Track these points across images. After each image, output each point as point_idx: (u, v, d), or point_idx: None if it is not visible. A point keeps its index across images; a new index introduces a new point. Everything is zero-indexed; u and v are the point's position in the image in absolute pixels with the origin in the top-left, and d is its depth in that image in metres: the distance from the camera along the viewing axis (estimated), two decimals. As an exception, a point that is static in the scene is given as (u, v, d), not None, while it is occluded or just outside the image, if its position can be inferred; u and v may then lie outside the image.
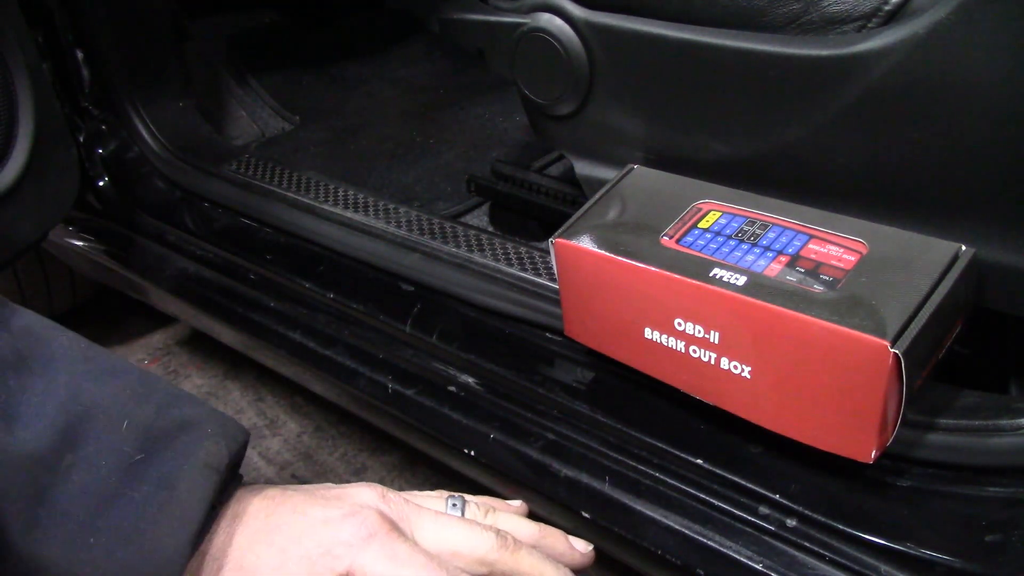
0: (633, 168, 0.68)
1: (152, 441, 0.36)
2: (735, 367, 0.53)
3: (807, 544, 0.55)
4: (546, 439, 0.68)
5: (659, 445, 0.63)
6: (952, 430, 0.55)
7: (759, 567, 0.55)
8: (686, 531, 0.59)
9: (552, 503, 0.67)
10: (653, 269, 0.56)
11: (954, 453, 0.55)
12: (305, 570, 0.40)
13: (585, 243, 0.60)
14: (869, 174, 0.58)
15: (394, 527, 0.43)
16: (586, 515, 0.63)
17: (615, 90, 0.69)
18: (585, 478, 0.64)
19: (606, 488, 0.63)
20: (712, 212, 0.60)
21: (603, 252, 0.59)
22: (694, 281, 0.53)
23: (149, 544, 0.34)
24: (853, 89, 0.55)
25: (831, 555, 0.54)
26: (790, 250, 0.54)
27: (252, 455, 1.15)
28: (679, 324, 0.56)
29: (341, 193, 0.96)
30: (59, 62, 1.12)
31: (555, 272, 0.64)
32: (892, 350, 0.45)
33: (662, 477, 0.62)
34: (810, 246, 0.54)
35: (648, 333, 0.58)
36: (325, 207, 0.94)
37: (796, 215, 0.58)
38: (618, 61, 0.67)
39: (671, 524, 0.59)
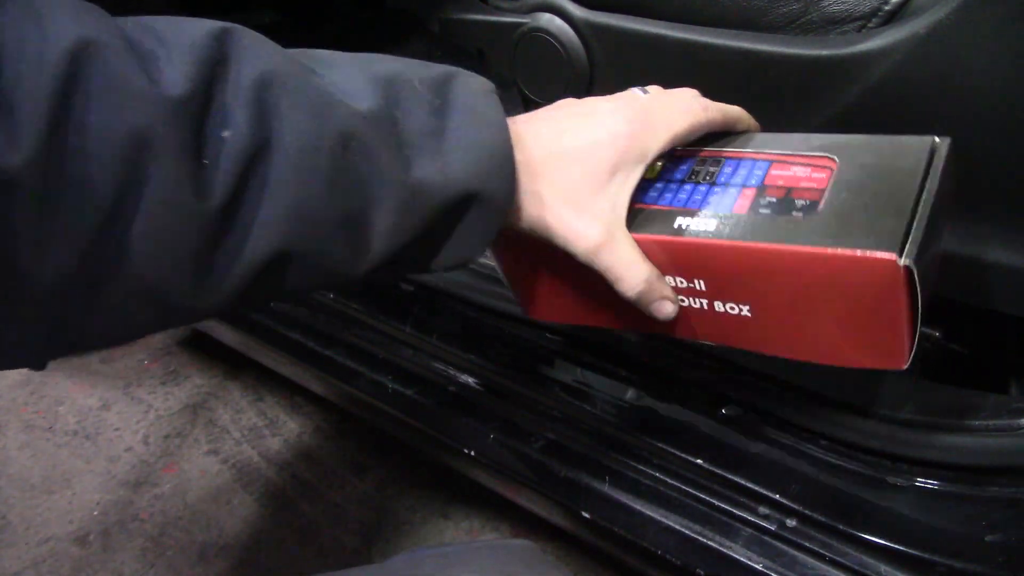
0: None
1: (438, 89, 0.42)
2: (731, 308, 0.49)
3: (807, 544, 0.55)
4: (546, 439, 0.68)
5: (659, 445, 0.63)
6: (952, 430, 0.55)
7: (759, 567, 0.55)
8: (686, 531, 0.59)
9: (552, 503, 0.67)
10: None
11: (954, 453, 0.55)
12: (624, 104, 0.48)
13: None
14: (869, 174, 0.58)
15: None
16: (586, 515, 0.63)
17: (615, 90, 0.69)
18: (585, 478, 0.64)
19: (606, 488, 0.63)
20: (656, 162, 0.54)
21: None
22: (659, 237, 0.48)
23: (484, 149, 0.41)
24: (853, 89, 0.55)
25: (831, 555, 0.54)
26: (753, 181, 0.49)
27: (252, 455, 1.15)
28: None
29: (341, 193, 0.96)
30: (59, 62, 1.12)
31: (496, 262, 0.57)
32: (902, 263, 0.41)
33: (662, 477, 0.62)
34: (773, 172, 0.49)
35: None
36: (325, 207, 0.94)
37: (746, 143, 0.52)
38: (618, 61, 0.68)
39: (671, 524, 0.59)
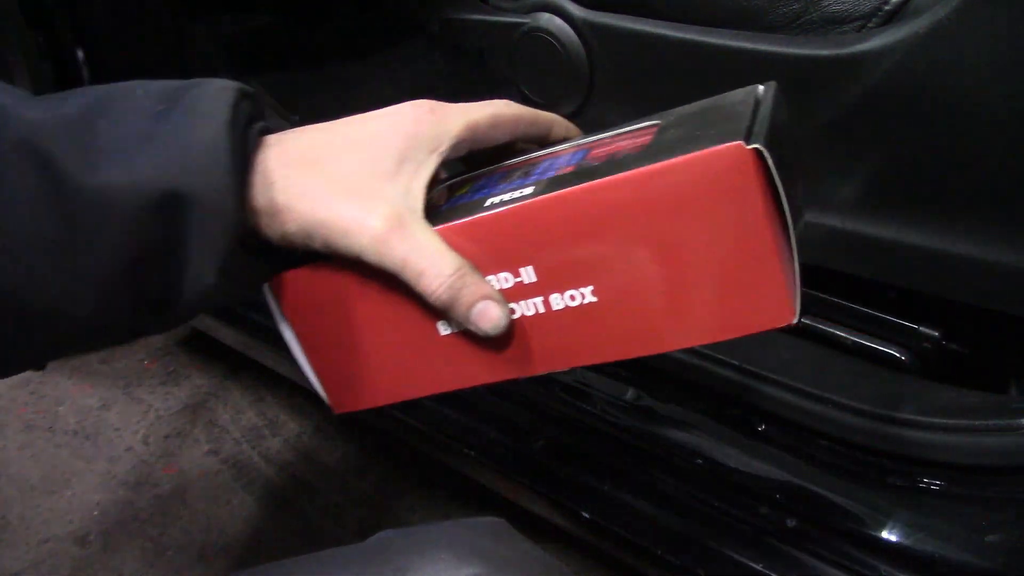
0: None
1: (168, 97, 0.38)
2: (572, 297, 0.40)
3: (807, 544, 0.55)
4: (546, 439, 0.68)
5: (659, 445, 0.63)
6: (952, 430, 0.55)
7: (759, 567, 0.55)
8: (686, 531, 0.59)
9: (552, 503, 0.67)
10: None
11: (954, 453, 0.55)
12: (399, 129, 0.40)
13: (318, 265, 0.43)
14: (868, 174, 0.58)
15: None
16: (586, 515, 0.63)
17: (615, 90, 0.69)
18: (585, 478, 0.64)
19: (606, 488, 0.63)
20: (468, 182, 0.46)
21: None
22: (468, 219, 0.40)
23: (189, 145, 0.36)
24: (853, 89, 0.55)
25: (831, 555, 0.54)
26: (574, 161, 0.42)
27: (252, 455, 1.15)
28: None
29: (341, 193, 0.96)
30: (59, 62, 1.12)
31: (287, 336, 0.47)
32: (750, 146, 0.34)
33: (662, 477, 0.62)
34: (595, 151, 0.42)
35: (443, 328, 0.42)
36: (325, 207, 0.94)
37: (565, 143, 0.46)
38: (618, 61, 0.68)
39: (671, 524, 0.59)
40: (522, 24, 0.72)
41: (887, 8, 0.54)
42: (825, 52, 0.55)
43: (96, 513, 1.09)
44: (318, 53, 1.50)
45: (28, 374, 1.34)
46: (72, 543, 1.05)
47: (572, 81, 0.70)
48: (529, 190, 0.39)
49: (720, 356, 0.63)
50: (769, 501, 0.57)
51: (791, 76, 0.57)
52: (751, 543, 0.56)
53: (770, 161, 0.35)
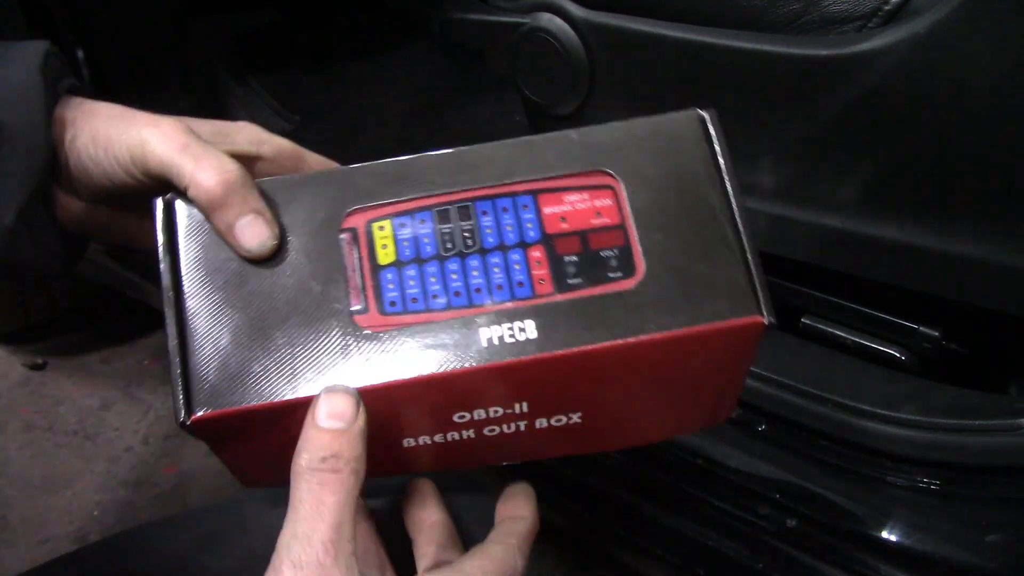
0: (168, 203, 0.38)
1: None
2: (558, 420, 0.39)
3: (807, 544, 0.55)
4: (546, 439, 0.68)
5: (658, 446, 0.63)
6: (952, 430, 0.55)
7: (759, 567, 0.55)
8: (686, 531, 0.59)
9: (553, 503, 0.67)
10: (405, 379, 0.36)
11: (954, 453, 0.55)
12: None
13: (246, 397, 0.36)
14: (869, 174, 0.58)
15: None
16: (586, 515, 0.63)
17: (615, 90, 0.69)
18: (585, 478, 0.64)
19: (607, 489, 0.63)
20: (377, 226, 0.38)
21: (287, 397, 0.36)
22: (466, 368, 0.36)
23: (3, 82, 0.37)
24: (853, 89, 0.55)
25: (831, 555, 0.54)
26: (532, 234, 0.38)
27: (252, 455, 1.15)
28: (461, 416, 0.38)
29: (341, 193, 0.96)
30: (59, 62, 1.12)
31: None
32: (766, 322, 0.36)
33: (662, 477, 0.62)
34: (547, 211, 0.38)
35: (408, 443, 0.40)
36: (325, 207, 0.94)
37: (471, 170, 0.39)
38: (618, 61, 0.68)
39: (671, 524, 0.59)
40: (522, 24, 0.72)
41: (887, 8, 0.54)
42: (825, 52, 0.55)
43: (96, 513, 1.09)
44: (318, 53, 1.50)
45: (29, 374, 1.34)
46: (72, 543, 1.05)
47: (572, 81, 0.70)
48: (531, 331, 0.36)
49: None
50: (769, 501, 0.57)
51: (791, 76, 0.57)
52: (751, 543, 0.56)
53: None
